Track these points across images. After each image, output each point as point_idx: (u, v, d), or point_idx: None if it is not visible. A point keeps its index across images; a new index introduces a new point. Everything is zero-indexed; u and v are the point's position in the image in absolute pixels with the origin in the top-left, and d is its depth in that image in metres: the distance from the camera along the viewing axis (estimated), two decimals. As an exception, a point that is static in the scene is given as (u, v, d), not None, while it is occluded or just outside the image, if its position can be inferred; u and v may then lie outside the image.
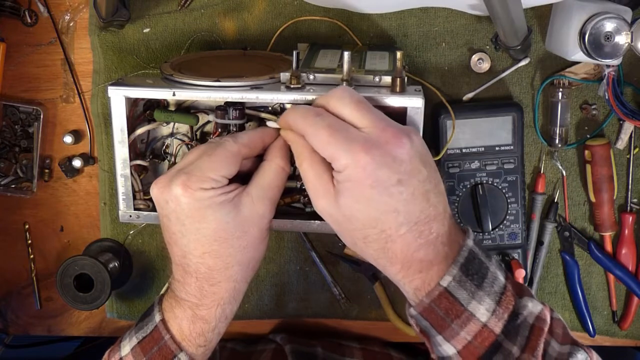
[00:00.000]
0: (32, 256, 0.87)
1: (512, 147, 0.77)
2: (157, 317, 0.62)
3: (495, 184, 0.77)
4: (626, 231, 0.81)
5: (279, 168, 0.60)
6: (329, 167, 0.55)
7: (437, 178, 0.56)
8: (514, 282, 0.57)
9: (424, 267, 0.55)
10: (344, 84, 0.61)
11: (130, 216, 0.67)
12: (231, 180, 0.59)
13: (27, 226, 0.86)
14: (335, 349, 0.82)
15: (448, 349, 0.55)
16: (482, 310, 0.54)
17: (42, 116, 0.82)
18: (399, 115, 0.61)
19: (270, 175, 0.60)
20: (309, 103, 0.62)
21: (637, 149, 0.80)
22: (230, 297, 0.61)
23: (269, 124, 0.61)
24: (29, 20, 0.80)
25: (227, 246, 0.58)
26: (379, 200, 0.53)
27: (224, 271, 0.59)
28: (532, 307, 0.56)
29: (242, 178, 0.60)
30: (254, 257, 0.61)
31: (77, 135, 0.83)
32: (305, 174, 0.57)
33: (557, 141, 0.78)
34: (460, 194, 0.78)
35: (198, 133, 0.69)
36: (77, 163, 0.82)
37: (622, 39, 0.68)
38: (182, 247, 0.59)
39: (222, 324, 0.62)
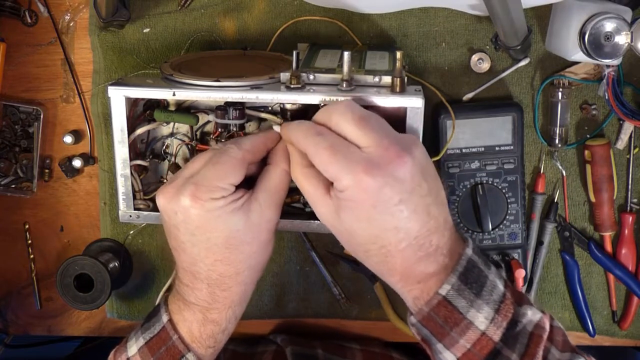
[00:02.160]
0: (32, 256, 0.86)
1: (512, 147, 0.77)
2: (165, 318, 0.62)
3: (495, 184, 0.77)
4: (626, 231, 0.81)
5: (284, 172, 0.60)
6: (324, 180, 0.55)
7: (437, 187, 0.56)
8: (513, 291, 0.58)
9: (423, 278, 0.56)
10: (344, 84, 0.61)
11: (130, 216, 0.67)
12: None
13: (27, 226, 0.86)
14: (336, 351, 0.82)
15: (448, 356, 0.55)
16: (481, 319, 0.54)
17: (42, 116, 0.82)
18: (399, 120, 0.61)
19: (276, 180, 0.60)
20: (309, 104, 0.62)
21: (637, 149, 0.80)
22: (240, 299, 0.62)
23: (275, 128, 0.61)
24: (29, 20, 0.80)
25: (238, 253, 0.59)
26: (380, 219, 0.54)
27: (236, 276, 0.60)
28: (532, 315, 0.56)
29: (246, 181, 0.60)
30: (263, 259, 0.62)
31: (77, 135, 0.83)
32: (300, 186, 0.58)
33: (557, 141, 0.78)
34: (460, 194, 0.78)
35: (198, 133, 0.69)
36: (77, 163, 0.82)
37: (622, 39, 0.68)
38: (193, 255, 0.59)
39: (231, 325, 0.63)
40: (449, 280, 0.55)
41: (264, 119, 0.66)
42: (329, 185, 0.55)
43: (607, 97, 0.74)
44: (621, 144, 0.79)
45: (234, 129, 0.65)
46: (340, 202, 0.54)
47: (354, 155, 0.53)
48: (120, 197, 0.66)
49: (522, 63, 0.78)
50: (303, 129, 0.56)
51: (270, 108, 0.66)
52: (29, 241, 0.86)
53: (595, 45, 0.69)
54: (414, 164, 0.53)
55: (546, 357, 0.56)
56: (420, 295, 0.56)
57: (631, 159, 0.80)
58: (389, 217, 0.53)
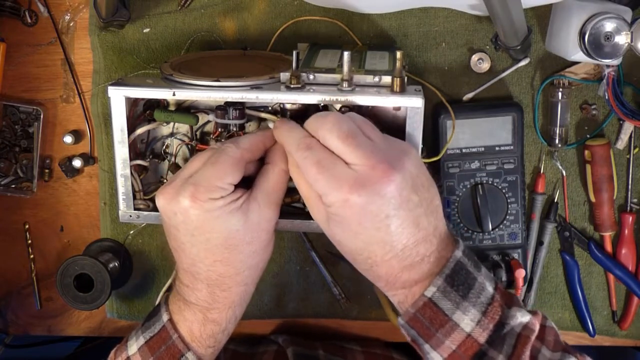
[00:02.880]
0: (32, 256, 0.86)
1: (512, 147, 0.77)
2: (165, 317, 0.62)
3: (495, 184, 0.77)
4: (626, 231, 0.81)
5: (282, 171, 0.60)
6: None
7: (430, 196, 0.56)
8: (503, 293, 0.58)
9: (407, 285, 0.56)
10: (344, 84, 0.61)
11: (130, 216, 0.67)
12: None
13: (27, 226, 0.86)
14: (337, 352, 0.82)
15: (435, 357, 0.56)
16: (467, 321, 0.55)
17: (42, 116, 0.82)
18: (397, 125, 0.61)
19: (274, 179, 0.60)
20: (309, 104, 0.62)
21: (637, 149, 0.80)
22: (241, 299, 0.62)
23: (271, 125, 0.61)
24: (29, 20, 0.80)
25: (237, 253, 0.59)
26: (366, 234, 0.54)
27: (235, 277, 0.60)
28: (521, 317, 0.56)
29: (243, 180, 0.60)
30: (263, 259, 0.62)
31: (77, 135, 0.83)
32: (296, 183, 0.59)
33: (557, 141, 0.78)
34: (460, 194, 0.78)
35: (198, 133, 0.69)
36: (77, 163, 0.82)
37: (622, 39, 0.68)
38: (192, 256, 0.59)
39: (231, 325, 0.63)
40: (434, 282, 0.55)
41: (264, 119, 0.66)
42: None
43: (607, 97, 0.74)
44: (621, 144, 0.79)
45: (234, 129, 0.65)
46: (328, 213, 0.55)
47: (340, 173, 0.53)
48: (120, 197, 0.66)
49: (522, 63, 0.78)
50: (294, 141, 0.56)
51: (270, 108, 0.66)
52: (29, 241, 0.86)
53: (595, 45, 0.69)
54: (403, 180, 0.53)
55: (536, 357, 0.56)
56: (404, 300, 0.57)
57: (631, 159, 0.80)
58: (375, 232, 0.54)
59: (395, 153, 0.55)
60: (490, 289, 0.57)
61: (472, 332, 0.54)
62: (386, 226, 0.53)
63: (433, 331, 0.55)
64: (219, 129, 0.65)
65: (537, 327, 0.57)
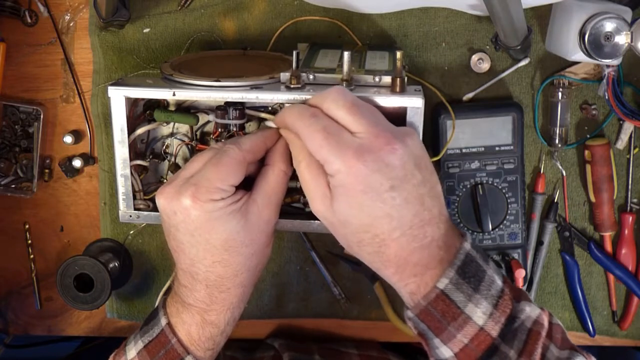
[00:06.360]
0: (32, 256, 0.86)
1: (512, 147, 0.77)
2: (163, 321, 0.62)
3: (495, 184, 0.77)
4: (626, 231, 0.81)
5: (281, 173, 0.60)
6: (324, 172, 0.55)
7: (433, 181, 0.56)
8: (511, 287, 0.57)
9: (419, 271, 0.55)
10: (344, 84, 0.61)
11: (130, 216, 0.67)
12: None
13: (27, 226, 0.86)
14: (333, 356, 0.82)
15: (445, 351, 0.55)
16: (479, 314, 0.54)
17: (42, 116, 0.82)
18: (399, 117, 0.61)
19: (274, 181, 0.60)
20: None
21: (637, 149, 0.80)
22: (239, 301, 0.62)
23: (268, 124, 0.61)
24: (29, 20, 0.80)
25: (236, 254, 0.58)
26: (372, 206, 0.53)
27: (234, 278, 0.60)
28: (530, 311, 0.56)
29: (243, 180, 0.60)
30: (261, 261, 0.62)
31: (77, 135, 0.83)
32: (302, 176, 0.57)
33: (557, 141, 0.78)
34: (460, 194, 0.78)
35: (198, 133, 0.69)
36: (77, 163, 0.82)
37: (622, 39, 0.68)
38: (191, 256, 0.59)
39: (229, 327, 0.63)
40: (447, 273, 0.54)
41: (264, 119, 0.66)
42: (326, 177, 0.55)
43: (607, 97, 0.74)
44: (621, 144, 0.79)
45: (234, 129, 0.65)
46: (333, 190, 0.54)
47: (345, 140, 0.53)
48: (120, 197, 0.66)
49: (522, 63, 0.78)
50: (298, 111, 0.56)
51: (270, 108, 0.66)
52: (29, 241, 0.86)
53: (595, 45, 0.69)
54: (406, 152, 0.53)
55: (545, 354, 0.55)
56: (417, 290, 0.56)
57: (631, 159, 0.80)
58: (380, 204, 0.53)
59: (399, 130, 0.55)
60: (499, 282, 0.56)
61: (484, 325, 0.54)
62: (391, 198, 0.53)
63: (445, 324, 0.54)
64: (219, 129, 0.65)
65: (546, 323, 0.56)
